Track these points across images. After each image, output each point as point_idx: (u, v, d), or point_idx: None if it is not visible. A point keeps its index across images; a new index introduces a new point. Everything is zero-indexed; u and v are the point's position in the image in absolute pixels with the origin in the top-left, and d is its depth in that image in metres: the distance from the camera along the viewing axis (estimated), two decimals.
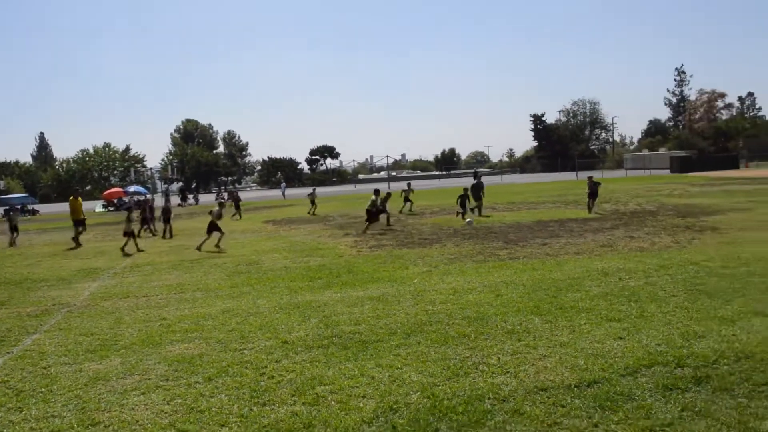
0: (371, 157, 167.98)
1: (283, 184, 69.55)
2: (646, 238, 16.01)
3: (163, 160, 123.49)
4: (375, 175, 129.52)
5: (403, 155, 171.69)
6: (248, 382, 6.37)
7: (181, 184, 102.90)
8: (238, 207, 33.82)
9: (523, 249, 15.20)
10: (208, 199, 63.24)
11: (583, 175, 45.09)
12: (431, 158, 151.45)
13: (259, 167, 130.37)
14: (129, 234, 19.41)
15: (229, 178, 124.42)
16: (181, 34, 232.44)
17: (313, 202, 33.65)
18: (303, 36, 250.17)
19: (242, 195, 45.38)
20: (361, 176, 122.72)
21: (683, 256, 12.61)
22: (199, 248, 18.26)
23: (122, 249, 18.87)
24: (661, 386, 5.53)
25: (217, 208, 20.32)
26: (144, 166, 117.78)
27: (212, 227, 19.08)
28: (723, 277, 10.27)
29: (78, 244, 21.85)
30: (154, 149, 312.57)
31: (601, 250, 14.29)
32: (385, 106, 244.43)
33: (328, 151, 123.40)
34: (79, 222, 22.93)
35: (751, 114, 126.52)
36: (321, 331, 8.24)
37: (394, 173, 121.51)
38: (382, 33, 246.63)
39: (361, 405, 5.58)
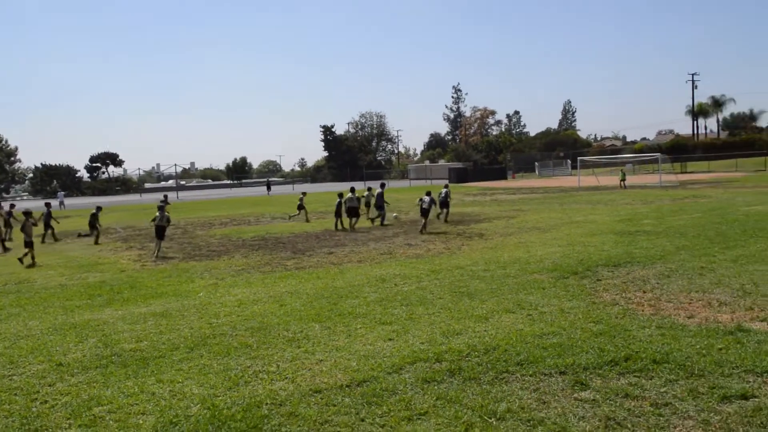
0: (158, 165, 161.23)
1: (61, 194, 64.22)
2: (423, 245, 17.32)
3: None
4: (163, 183, 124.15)
5: (192, 164, 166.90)
6: (18, 409, 6.08)
7: None
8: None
9: (310, 258, 15.74)
10: None
11: (373, 184, 46.65)
12: (222, 167, 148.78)
13: (30, 175, 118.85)
14: None
15: None
16: None
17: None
18: (80, 35, 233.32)
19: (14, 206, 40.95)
20: (147, 185, 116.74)
21: (452, 261, 13.89)
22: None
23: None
24: (421, 380, 6.21)
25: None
26: None
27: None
28: (483, 279, 11.52)
29: None
30: None
31: (381, 257, 15.24)
32: (172, 111, 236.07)
33: (111, 158, 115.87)
34: None
35: (517, 130, 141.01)
36: (100, 351, 8.01)
37: (183, 182, 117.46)
38: (168, 34, 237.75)
39: (141, 422, 5.62)
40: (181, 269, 15.00)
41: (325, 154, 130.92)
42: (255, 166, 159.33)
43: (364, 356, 7.09)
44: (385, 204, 25.32)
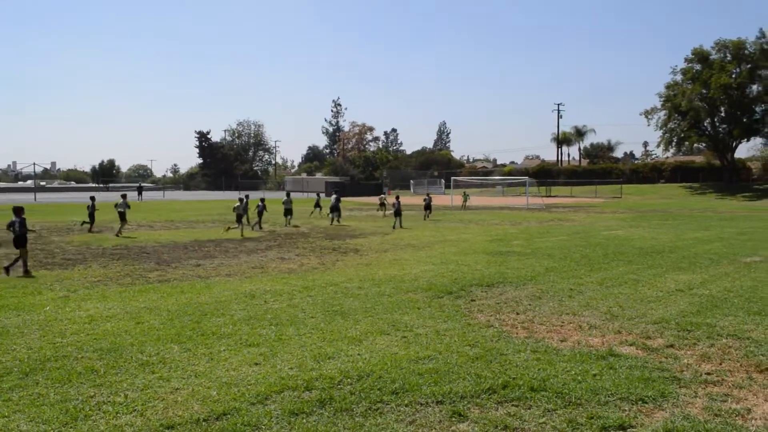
0: (14, 163, 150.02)
1: None
2: (296, 259, 16.73)
3: None
4: (21, 184, 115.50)
5: (54, 164, 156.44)
6: None
7: None
8: None
9: (175, 270, 14.73)
10: None
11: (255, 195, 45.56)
12: (87, 169, 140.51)
13: None
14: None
15: None
16: None
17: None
18: None
19: None
20: (2, 184, 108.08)
21: (326, 278, 13.41)
22: None
23: None
24: (288, 412, 5.65)
25: None
26: None
27: None
28: (357, 297, 11.12)
29: None
30: None
31: (252, 271, 14.51)
32: (31, 107, 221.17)
33: None
34: None
35: (394, 148, 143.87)
36: None
37: (43, 183, 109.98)
38: (25, 19, 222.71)
39: None
40: (28, 279, 13.55)
41: (200, 161, 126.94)
42: (124, 170, 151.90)
43: (226, 384, 6.42)
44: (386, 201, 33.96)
